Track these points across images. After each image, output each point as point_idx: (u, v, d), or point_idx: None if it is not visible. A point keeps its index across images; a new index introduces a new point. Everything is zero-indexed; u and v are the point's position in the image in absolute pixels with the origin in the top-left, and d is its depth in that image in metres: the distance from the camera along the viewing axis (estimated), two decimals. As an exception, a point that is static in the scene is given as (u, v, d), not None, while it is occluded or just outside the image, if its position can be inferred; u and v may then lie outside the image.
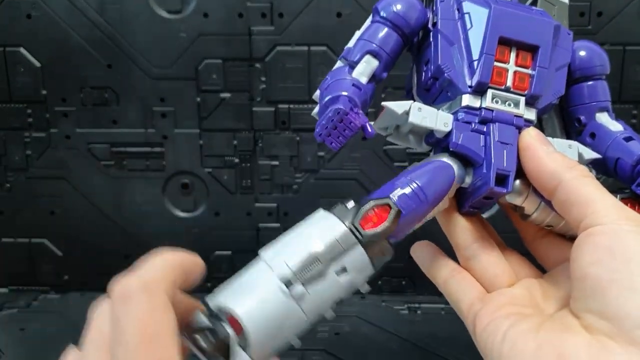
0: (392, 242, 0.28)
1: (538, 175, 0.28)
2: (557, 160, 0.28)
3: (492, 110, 0.29)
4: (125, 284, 0.22)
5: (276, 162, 0.63)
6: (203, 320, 0.25)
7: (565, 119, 0.34)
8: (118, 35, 0.60)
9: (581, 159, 0.30)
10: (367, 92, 0.31)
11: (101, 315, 0.23)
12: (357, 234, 0.26)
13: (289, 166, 0.63)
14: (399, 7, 0.31)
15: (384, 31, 0.31)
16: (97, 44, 0.60)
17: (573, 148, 0.30)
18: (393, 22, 0.31)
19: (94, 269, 0.66)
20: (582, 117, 0.33)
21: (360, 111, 0.28)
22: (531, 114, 0.30)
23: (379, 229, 0.27)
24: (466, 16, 0.31)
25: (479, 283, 0.31)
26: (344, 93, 0.29)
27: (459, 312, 0.32)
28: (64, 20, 0.59)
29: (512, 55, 0.30)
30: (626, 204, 0.30)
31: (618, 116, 0.34)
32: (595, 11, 0.57)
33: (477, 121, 0.29)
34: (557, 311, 0.28)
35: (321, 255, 0.26)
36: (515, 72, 0.30)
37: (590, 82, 0.33)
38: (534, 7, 0.32)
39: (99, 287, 0.67)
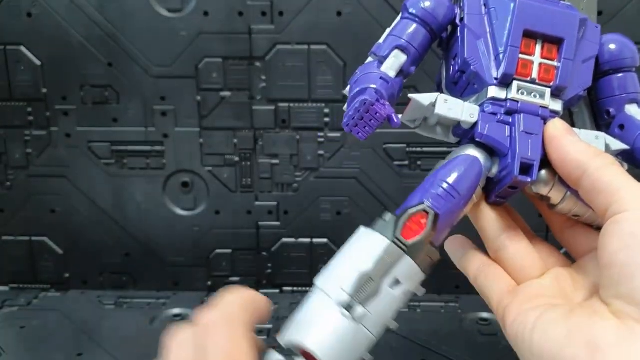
0: (436, 244, 0.28)
1: (563, 164, 0.28)
2: (582, 149, 0.28)
3: (518, 102, 0.30)
4: (210, 316, 0.24)
5: (276, 161, 0.63)
6: (277, 357, 0.26)
7: (595, 112, 0.34)
8: (118, 34, 0.60)
9: (608, 150, 0.30)
10: (395, 86, 0.32)
11: (183, 343, 0.24)
12: (401, 245, 0.27)
13: (289, 165, 0.63)
14: (427, 4, 0.32)
15: (412, 27, 0.32)
16: (98, 43, 0.60)
17: (600, 139, 0.30)
18: (421, 18, 0.32)
19: (94, 267, 0.66)
20: (611, 110, 0.33)
21: (387, 102, 0.29)
22: (557, 105, 0.30)
23: (421, 236, 0.27)
24: (492, 10, 0.31)
25: (509, 275, 0.31)
26: (372, 86, 0.30)
27: (489, 305, 0.32)
28: (64, 18, 0.59)
29: (538, 47, 0.30)
30: None
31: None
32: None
33: (502, 112, 0.30)
34: (586, 300, 0.28)
35: (372, 273, 0.26)
36: (540, 64, 0.30)
37: (620, 74, 0.33)
38: (561, 1, 0.32)
39: (100, 285, 0.68)
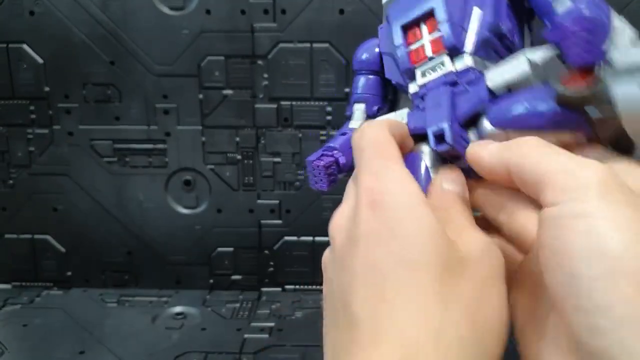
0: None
1: (492, 176, 0.26)
2: (493, 150, 0.25)
3: (425, 85, 0.31)
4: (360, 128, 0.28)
5: (278, 159, 0.63)
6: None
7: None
8: (121, 32, 0.60)
9: (536, 67, 0.28)
10: None
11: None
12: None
13: (291, 163, 0.63)
14: (363, 56, 0.37)
15: (361, 80, 0.37)
16: (100, 41, 0.60)
17: (520, 59, 0.28)
18: (364, 69, 0.37)
19: (96, 265, 0.66)
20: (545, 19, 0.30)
21: (331, 152, 0.33)
22: (466, 62, 0.30)
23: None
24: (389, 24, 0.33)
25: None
26: (330, 144, 0.34)
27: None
28: (66, 16, 0.59)
29: (424, 29, 0.32)
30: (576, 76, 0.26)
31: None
32: (598, 8, 0.57)
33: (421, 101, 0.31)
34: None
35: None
36: (431, 41, 0.31)
37: None
38: None
39: (102, 283, 0.68)
